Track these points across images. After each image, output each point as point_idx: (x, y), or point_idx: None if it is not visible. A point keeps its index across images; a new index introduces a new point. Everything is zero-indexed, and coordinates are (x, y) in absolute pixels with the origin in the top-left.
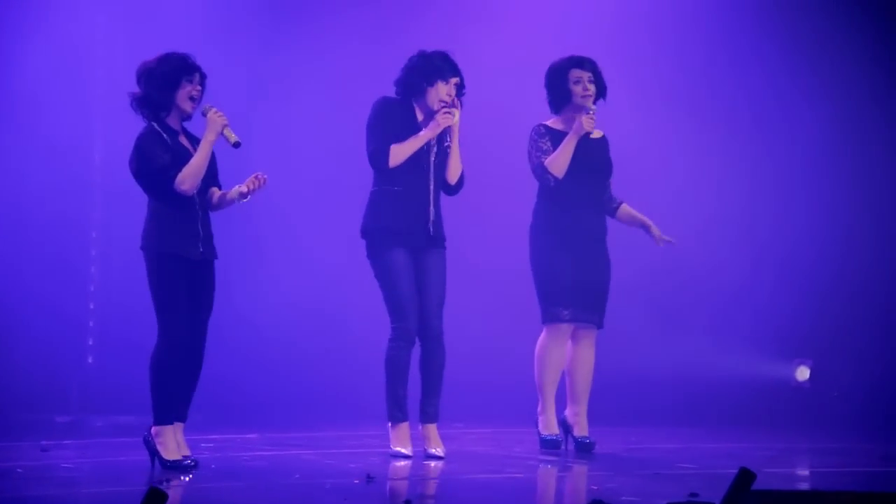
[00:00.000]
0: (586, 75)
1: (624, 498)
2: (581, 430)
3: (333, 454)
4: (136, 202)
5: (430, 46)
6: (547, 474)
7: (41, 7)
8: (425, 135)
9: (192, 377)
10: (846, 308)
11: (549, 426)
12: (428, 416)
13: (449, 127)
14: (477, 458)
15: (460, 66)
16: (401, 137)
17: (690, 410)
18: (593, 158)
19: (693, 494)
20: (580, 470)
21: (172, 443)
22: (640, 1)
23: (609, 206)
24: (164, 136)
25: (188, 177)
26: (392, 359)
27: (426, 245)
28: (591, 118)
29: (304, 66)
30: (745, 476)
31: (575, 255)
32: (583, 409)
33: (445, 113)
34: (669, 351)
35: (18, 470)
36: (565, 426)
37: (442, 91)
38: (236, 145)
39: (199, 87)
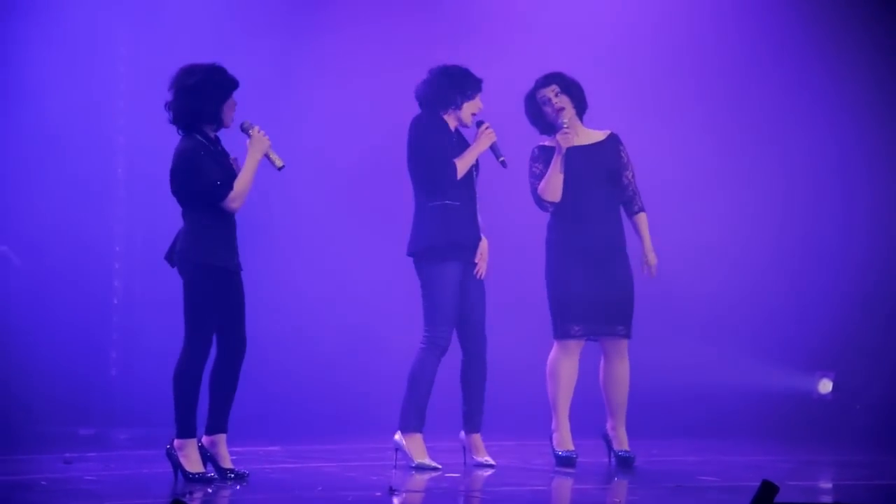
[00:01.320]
0: (551, 90)
1: None
2: (620, 443)
3: (355, 467)
4: (160, 215)
5: (458, 58)
6: (568, 487)
7: (61, 13)
8: (478, 148)
9: (232, 388)
10: (869, 320)
11: (563, 443)
12: (474, 425)
13: (494, 142)
14: (499, 470)
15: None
16: (455, 153)
17: (713, 423)
18: (591, 167)
19: None
20: (601, 482)
21: (195, 455)
22: (645, 10)
23: (629, 209)
24: (211, 149)
25: (239, 195)
26: (420, 366)
27: (472, 261)
28: (566, 132)
29: (320, 75)
30: (768, 489)
31: (586, 269)
32: (620, 422)
33: (488, 128)
34: (692, 363)
35: (42, 483)
36: (605, 439)
37: (475, 105)
38: (281, 168)
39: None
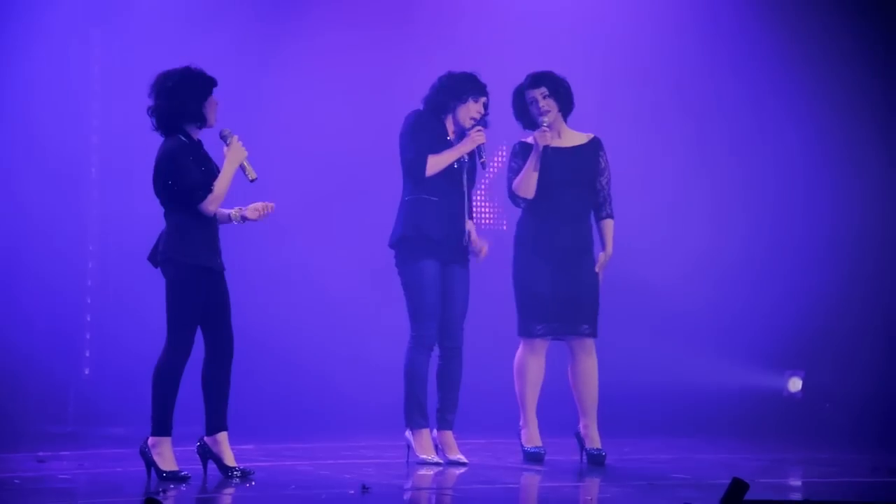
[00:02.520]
0: (539, 92)
1: None
2: (592, 442)
3: (328, 465)
4: (134, 215)
5: (446, 57)
6: (540, 485)
7: (35, 14)
8: (461, 148)
9: (226, 386)
10: (838, 320)
11: (531, 439)
12: (447, 423)
13: (481, 144)
14: (471, 468)
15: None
16: (434, 150)
17: (684, 421)
18: (568, 169)
19: None
20: (574, 480)
21: (169, 453)
22: (638, 11)
23: (597, 213)
24: (193, 150)
25: (216, 200)
26: (411, 364)
27: (455, 258)
28: (544, 132)
29: (303, 72)
30: (738, 486)
31: (552, 268)
32: (591, 420)
33: (479, 131)
34: (662, 362)
35: (16, 481)
36: (579, 439)
37: (472, 109)
38: (253, 181)
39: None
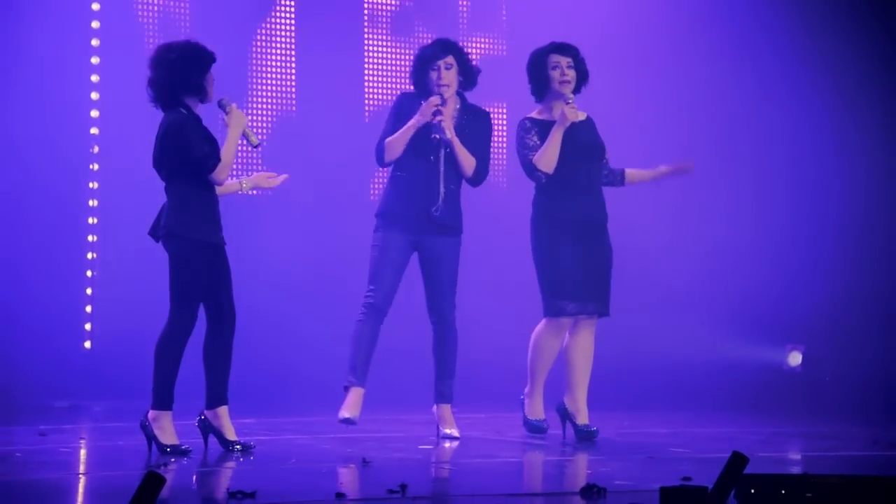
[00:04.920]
0: (565, 60)
1: (617, 482)
2: (582, 417)
3: (329, 439)
4: (135, 188)
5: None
6: (540, 459)
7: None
8: (412, 124)
9: (227, 360)
10: (838, 294)
11: (535, 411)
12: (443, 396)
13: (440, 118)
14: (471, 442)
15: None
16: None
17: (684, 395)
18: (581, 143)
19: (686, 478)
20: (574, 454)
21: (170, 427)
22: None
23: (614, 179)
24: (197, 122)
25: (225, 167)
26: (355, 327)
27: (432, 231)
28: (573, 107)
29: (301, 59)
30: (738, 460)
31: (576, 246)
32: (582, 396)
33: (433, 104)
34: (663, 336)
35: (17, 454)
36: (563, 413)
37: (434, 76)
38: (256, 146)
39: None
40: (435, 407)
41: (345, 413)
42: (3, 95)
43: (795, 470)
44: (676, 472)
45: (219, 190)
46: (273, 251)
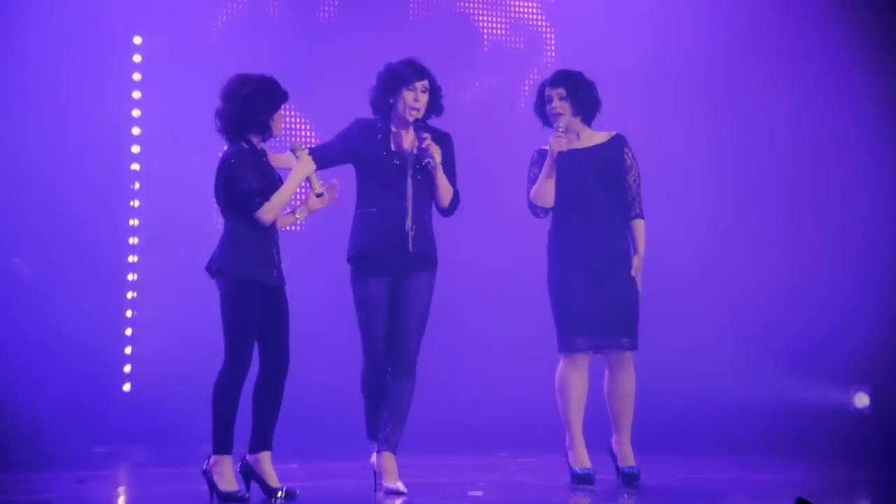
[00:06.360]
0: (556, 92)
1: None
2: (625, 459)
3: (374, 484)
4: (176, 225)
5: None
6: None
7: (76, 22)
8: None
9: (276, 405)
10: None
11: (579, 460)
12: (388, 442)
13: (430, 145)
14: (519, 487)
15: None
16: (368, 162)
17: (746, 439)
18: (589, 170)
19: None
20: (628, 501)
21: (229, 472)
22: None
23: (626, 214)
24: (255, 158)
25: (274, 209)
26: (362, 386)
27: (407, 267)
28: (559, 137)
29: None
30: None
31: (587, 278)
32: (625, 437)
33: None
34: (724, 377)
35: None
36: (612, 455)
37: (409, 99)
38: (319, 195)
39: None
40: (375, 455)
41: (388, 484)
42: (44, 130)
43: None
44: None
45: (279, 223)
46: (320, 289)
